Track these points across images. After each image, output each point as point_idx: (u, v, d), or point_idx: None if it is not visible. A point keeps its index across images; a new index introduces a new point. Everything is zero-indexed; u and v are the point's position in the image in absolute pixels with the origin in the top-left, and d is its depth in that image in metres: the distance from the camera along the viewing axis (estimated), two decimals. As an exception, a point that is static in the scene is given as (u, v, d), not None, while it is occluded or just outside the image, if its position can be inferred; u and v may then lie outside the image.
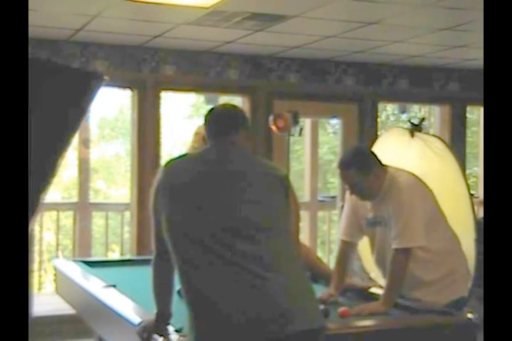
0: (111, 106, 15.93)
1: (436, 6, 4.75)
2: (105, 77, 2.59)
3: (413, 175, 3.47)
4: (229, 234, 2.39)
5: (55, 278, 4.56)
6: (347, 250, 3.59)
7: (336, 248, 7.44)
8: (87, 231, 6.51)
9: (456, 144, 7.16)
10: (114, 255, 10.86)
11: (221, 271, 2.36)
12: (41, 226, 6.70)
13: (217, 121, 2.63)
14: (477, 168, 9.63)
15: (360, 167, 3.35)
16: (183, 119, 16.06)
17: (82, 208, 6.47)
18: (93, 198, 10.51)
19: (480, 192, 7.43)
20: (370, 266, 4.33)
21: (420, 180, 3.46)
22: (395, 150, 4.16)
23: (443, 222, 3.48)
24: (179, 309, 2.59)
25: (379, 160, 3.43)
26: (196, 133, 3.84)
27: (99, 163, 15.33)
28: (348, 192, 3.60)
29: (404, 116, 12.76)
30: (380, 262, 3.55)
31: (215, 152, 2.58)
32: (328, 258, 7.45)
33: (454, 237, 3.54)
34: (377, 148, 5.06)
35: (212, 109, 2.70)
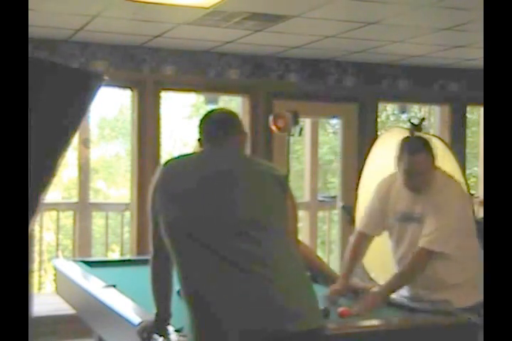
0: (111, 106, 15.93)
1: (436, 6, 4.74)
2: (105, 77, 2.59)
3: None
4: (227, 233, 2.39)
5: (55, 278, 4.56)
6: (363, 242, 3.51)
7: (335, 248, 7.45)
8: (87, 231, 6.51)
9: (456, 144, 7.15)
10: (114, 255, 10.86)
11: (219, 271, 2.36)
12: (41, 226, 6.69)
13: (212, 126, 2.64)
14: (477, 168, 9.62)
15: (429, 152, 3.37)
16: (183, 119, 16.05)
17: (82, 208, 6.47)
18: (93, 198, 10.48)
19: (480, 192, 7.43)
20: (370, 266, 4.33)
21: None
22: (395, 150, 4.15)
23: (474, 231, 3.43)
24: (179, 309, 2.59)
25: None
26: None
27: (99, 163, 15.31)
28: (377, 188, 3.54)
29: (404, 116, 12.74)
30: (404, 260, 3.41)
31: (212, 153, 2.59)
32: (328, 258, 7.46)
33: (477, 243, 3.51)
34: (378, 148, 5.07)
35: (207, 113, 2.71)
